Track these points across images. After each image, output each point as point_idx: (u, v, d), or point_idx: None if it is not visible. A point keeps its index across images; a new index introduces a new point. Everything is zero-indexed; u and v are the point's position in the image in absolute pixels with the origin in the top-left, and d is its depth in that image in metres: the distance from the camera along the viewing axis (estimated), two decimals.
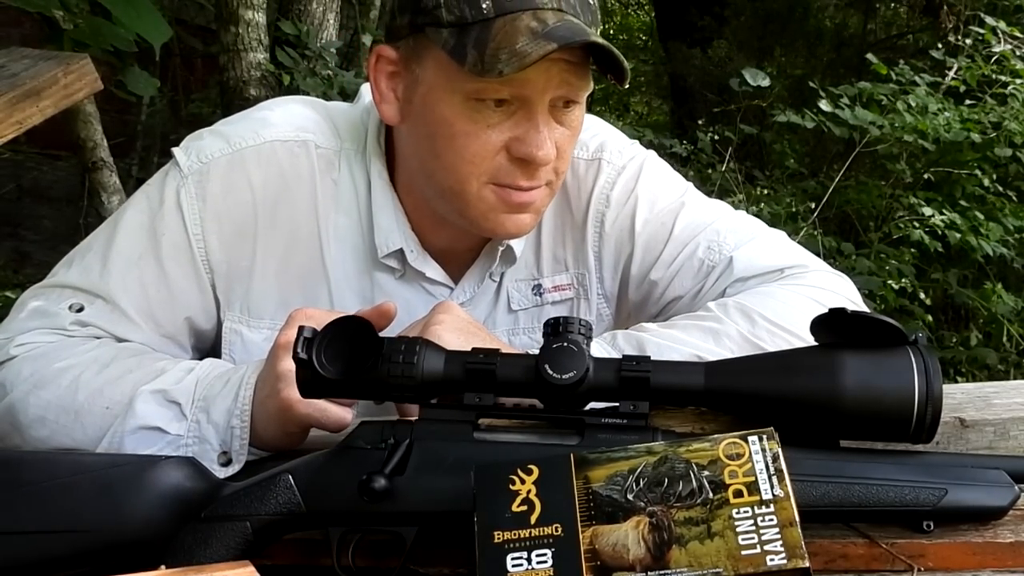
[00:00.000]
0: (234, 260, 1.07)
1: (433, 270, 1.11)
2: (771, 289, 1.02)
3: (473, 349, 0.78)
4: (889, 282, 3.57)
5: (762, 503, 0.64)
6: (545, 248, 1.15)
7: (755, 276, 1.05)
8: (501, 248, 1.12)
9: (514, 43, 0.91)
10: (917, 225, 3.75)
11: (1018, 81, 4.12)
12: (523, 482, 0.68)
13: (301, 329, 0.76)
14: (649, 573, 0.62)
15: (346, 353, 0.75)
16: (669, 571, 0.62)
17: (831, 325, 0.75)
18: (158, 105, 4.98)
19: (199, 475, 0.79)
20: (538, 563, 0.64)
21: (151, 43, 2.49)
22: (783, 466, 0.65)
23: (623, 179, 1.14)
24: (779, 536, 0.62)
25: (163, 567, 0.65)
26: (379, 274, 1.11)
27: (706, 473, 0.66)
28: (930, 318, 3.80)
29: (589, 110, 1.13)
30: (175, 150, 1.08)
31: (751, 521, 0.63)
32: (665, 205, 1.13)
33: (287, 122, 1.09)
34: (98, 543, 0.76)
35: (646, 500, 0.65)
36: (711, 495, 0.65)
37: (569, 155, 1.04)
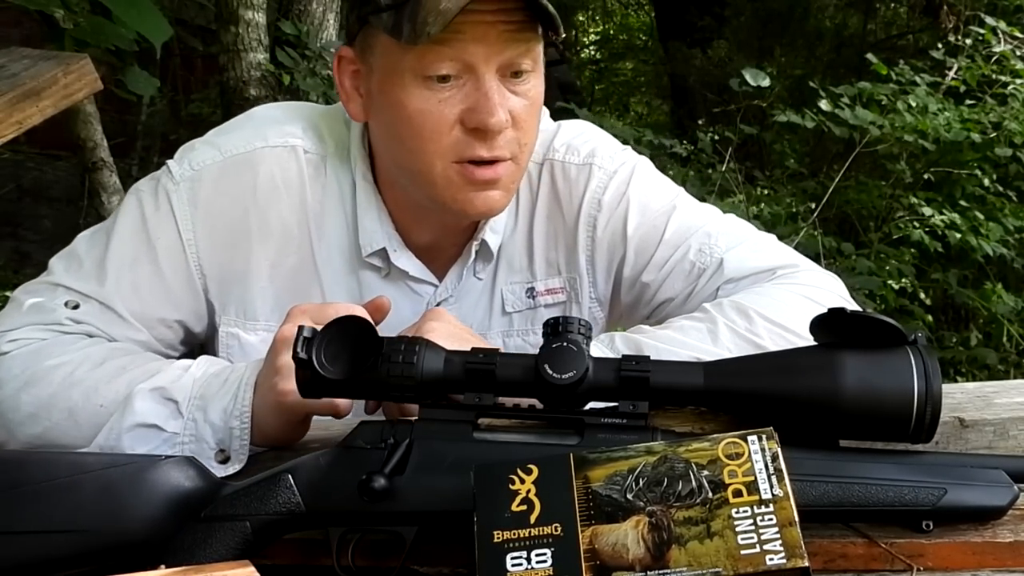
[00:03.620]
0: (227, 264, 1.09)
1: (416, 268, 1.13)
2: (764, 288, 1.03)
3: (473, 349, 0.78)
4: (889, 282, 3.58)
5: (761, 503, 0.64)
6: (538, 251, 1.16)
7: (746, 276, 1.06)
8: (476, 244, 1.13)
9: (439, 4, 0.92)
10: (917, 225, 3.75)
11: (1018, 81, 4.12)
12: (522, 482, 0.67)
13: (301, 328, 0.77)
14: (648, 573, 0.62)
15: (346, 353, 0.75)
16: (668, 571, 0.62)
17: (830, 325, 0.75)
18: (158, 105, 4.98)
19: (199, 475, 0.79)
20: (537, 562, 0.64)
21: (152, 42, 2.49)
22: (782, 466, 0.65)
23: (614, 183, 1.14)
24: (778, 536, 0.62)
25: (163, 567, 0.65)
26: (365, 273, 1.12)
27: (705, 473, 0.66)
28: (930, 318, 3.80)
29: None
30: (169, 161, 1.11)
31: (750, 521, 0.63)
32: (656, 208, 1.14)
33: (276, 129, 1.12)
34: (98, 543, 0.76)
35: (645, 500, 0.65)
36: (710, 495, 0.65)
37: (532, 128, 1.04)
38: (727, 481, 0.65)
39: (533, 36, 0.99)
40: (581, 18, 10.30)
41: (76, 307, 1.04)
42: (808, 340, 0.81)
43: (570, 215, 1.15)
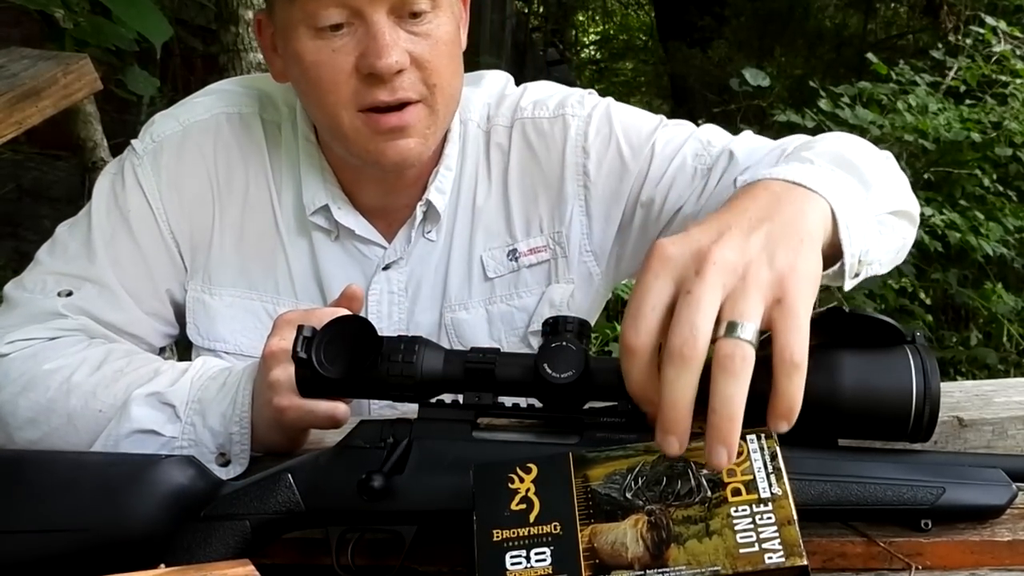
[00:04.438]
0: (195, 229, 1.11)
1: (363, 227, 1.12)
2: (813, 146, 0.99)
3: (472, 348, 0.78)
4: (889, 282, 3.57)
5: (760, 501, 0.64)
6: (516, 212, 1.15)
7: (759, 163, 1.05)
8: (421, 206, 1.12)
9: None
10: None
11: (1018, 81, 4.12)
12: (522, 481, 0.67)
13: (300, 328, 0.77)
14: (647, 571, 0.62)
15: (345, 352, 0.75)
16: (667, 569, 0.61)
17: (829, 324, 0.75)
18: (158, 105, 4.97)
19: (199, 474, 0.79)
20: (537, 561, 0.64)
21: (152, 42, 2.49)
22: (781, 465, 0.65)
23: (595, 125, 1.14)
24: (777, 534, 0.62)
25: (163, 566, 0.65)
26: (316, 235, 1.13)
27: (704, 472, 0.65)
28: (930, 318, 3.80)
29: None
30: (132, 140, 1.13)
31: (749, 519, 0.63)
32: (644, 130, 1.14)
33: (233, 99, 1.15)
34: (98, 542, 0.76)
35: (645, 499, 0.65)
36: (709, 493, 0.65)
37: (443, 67, 1.02)
38: (726, 480, 0.65)
39: None
40: (581, 18, 10.31)
41: (69, 294, 1.05)
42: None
43: (551, 169, 1.14)
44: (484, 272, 1.15)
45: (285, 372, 0.87)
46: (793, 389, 0.63)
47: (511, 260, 1.15)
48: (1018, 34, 4.31)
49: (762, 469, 0.65)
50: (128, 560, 0.72)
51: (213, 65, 4.03)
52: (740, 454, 0.65)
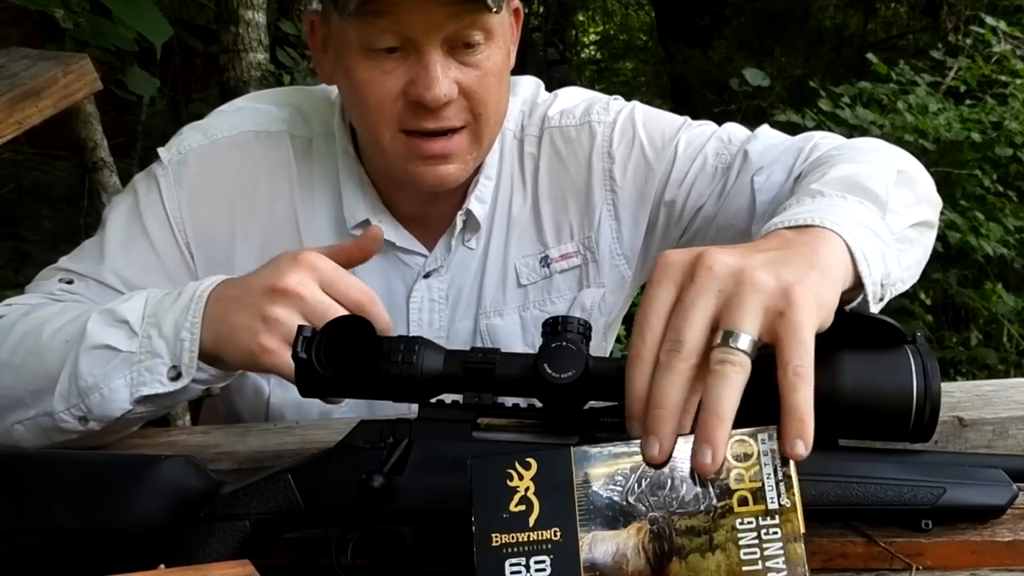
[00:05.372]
0: (213, 244, 1.11)
1: (403, 238, 1.13)
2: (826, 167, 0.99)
3: (472, 348, 0.78)
4: None
5: (767, 513, 0.61)
6: (547, 220, 1.17)
7: (775, 163, 1.06)
8: (461, 215, 1.13)
9: None
10: None
11: (1018, 81, 4.12)
12: (521, 478, 0.65)
13: (301, 328, 0.77)
14: None
15: (345, 352, 0.75)
16: None
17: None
18: (158, 105, 4.98)
19: (198, 474, 0.79)
20: (536, 570, 0.62)
21: (152, 42, 2.49)
22: (793, 472, 0.62)
23: (619, 130, 1.16)
24: (782, 551, 0.60)
25: (162, 566, 0.65)
26: None
27: (711, 477, 0.63)
28: (930, 318, 3.80)
29: None
30: (160, 149, 1.14)
31: (754, 534, 0.61)
32: (667, 131, 1.15)
33: (262, 115, 1.15)
34: (97, 542, 0.76)
35: (648, 504, 0.63)
36: (715, 502, 0.62)
37: (489, 97, 1.03)
38: (733, 487, 0.62)
39: (479, 7, 0.97)
40: (581, 18, 10.31)
41: (70, 282, 1.07)
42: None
43: (579, 176, 1.16)
44: (518, 279, 1.17)
45: (290, 316, 0.85)
46: (802, 404, 0.61)
47: (543, 267, 1.17)
48: (1018, 34, 4.31)
49: (772, 476, 0.62)
50: (128, 560, 0.73)
51: (213, 65, 4.03)
52: (750, 456, 0.63)
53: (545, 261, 1.17)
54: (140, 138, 4.95)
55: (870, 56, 4.37)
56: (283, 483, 0.76)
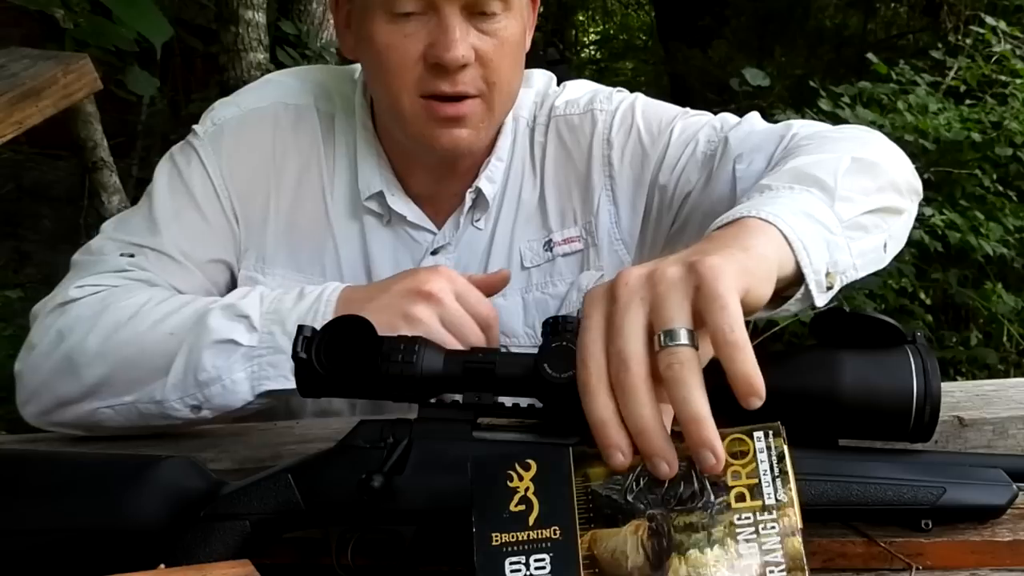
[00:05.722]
0: (251, 210, 1.15)
1: (414, 213, 1.17)
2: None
3: (472, 348, 0.78)
4: (889, 282, 3.57)
5: (764, 509, 0.62)
6: (551, 205, 1.20)
7: (755, 151, 1.07)
8: (470, 192, 1.16)
9: None
10: (917, 225, 3.74)
11: (1018, 81, 4.12)
12: (520, 479, 0.65)
13: (301, 328, 0.77)
14: None
15: (345, 352, 0.75)
16: None
17: (829, 324, 0.75)
18: (158, 105, 4.98)
19: (198, 474, 0.79)
20: (536, 568, 0.62)
21: (152, 42, 2.49)
22: (789, 468, 0.63)
23: (619, 117, 1.18)
24: (780, 546, 0.60)
25: (162, 566, 0.65)
26: (368, 219, 1.17)
27: (708, 473, 0.64)
28: (930, 318, 3.80)
29: None
30: (194, 125, 1.18)
31: (752, 529, 0.61)
32: (664, 119, 1.18)
33: (290, 89, 1.20)
34: (97, 542, 0.76)
35: (646, 502, 0.63)
36: (712, 498, 0.63)
37: (504, 68, 1.06)
38: (730, 483, 0.63)
39: None
40: (581, 18, 10.32)
41: (132, 256, 1.09)
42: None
43: (581, 162, 1.19)
44: (522, 261, 1.19)
45: (431, 317, 0.91)
46: (742, 367, 0.61)
47: (546, 250, 1.20)
48: (1018, 34, 4.31)
49: (768, 472, 0.63)
50: (128, 560, 0.73)
51: (213, 65, 4.03)
52: (746, 454, 0.64)
53: (548, 245, 1.19)
54: (140, 138, 4.96)
55: (870, 56, 4.37)
56: (283, 483, 0.76)
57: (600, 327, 0.67)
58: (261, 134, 1.16)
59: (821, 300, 0.80)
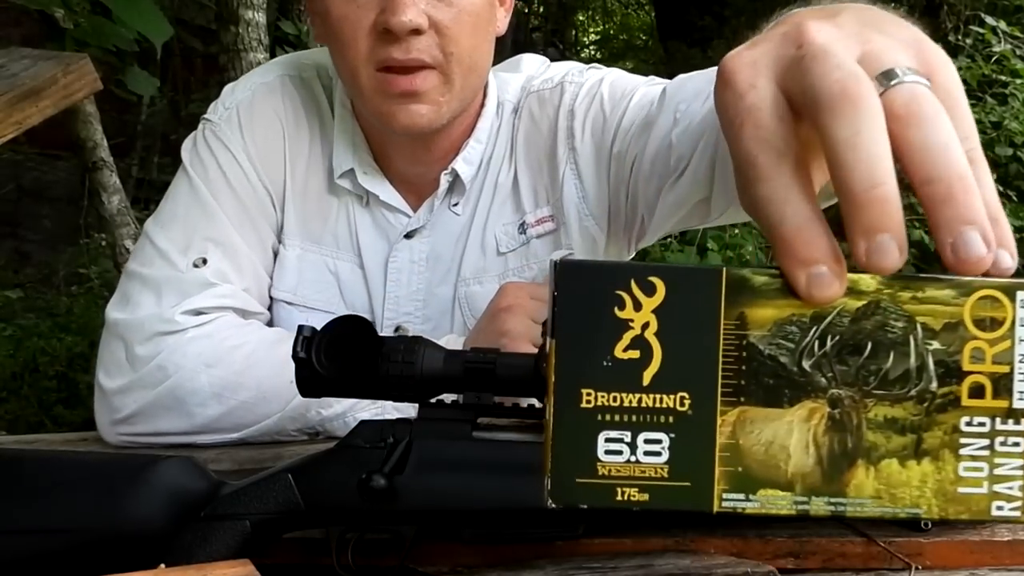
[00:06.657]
0: (274, 181, 1.16)
1: (388, 194, 1.16)
2: None
3: (472, 348, 0.78)
4: None
5: (1011, 415, 0.41)
6: (524, 185, 1.17)
7: (692, 98, 0.98)
8: (447, 175, 1.15)
9: None
10: (917, 225, 3.75)
11: (1018, 81, 4.13)
12: (638, 306, 0.41)
13: (301, 328, 0.77)
14: (813, 498, 0.41)
15: (345, 352, 0.75)
16: (844, 500, 0.41)
17: None
18: (158, 105, 4.99)
19: (198, 474, 0.79)
20: (646, 454, 0.41)
21: (152, 42, 2.49)
22: None
23: (586, 88, 1.16)
24: (1020, 473, 0.41)
25: (162, 566, 0.65)
26: (352, 198, 1.18)
27: (936, 345, 0.41)
28: None
29: None
30: (204, 115, 1.19)
31: (986, 442, 0.41)
32: (627, 87, 1.14)
33: (292, 63, 1.21)
34: (97, 542, 0.76)
35: (831, 375, 0.41)
36: (935, 385, 0.41)
37: (462, 36, 1.04)
38: (967, 367, 0.41)
39: None
40: (581, 18, 10.32)
41: (205, 262, 1.08)
42: None
43: (549, 136, 1.16)
44: (497, 247, 1.18)
45: (522, 323, 0.96)
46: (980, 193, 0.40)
47: (520, 233, 1.18)
48: (1018, 34, 4.32)
49: None
50: (128, 560, 0.73)
51: (213, 65, 4.04)
52: (1000, 324, 0.41)
53: (523, 228, 1.17)
54: (140, 138, 4.96)
55: None
56: (283, 483, 0.76)
57: (771, 91, 0.43)
58: (273, 106, 1.17)
59: None
